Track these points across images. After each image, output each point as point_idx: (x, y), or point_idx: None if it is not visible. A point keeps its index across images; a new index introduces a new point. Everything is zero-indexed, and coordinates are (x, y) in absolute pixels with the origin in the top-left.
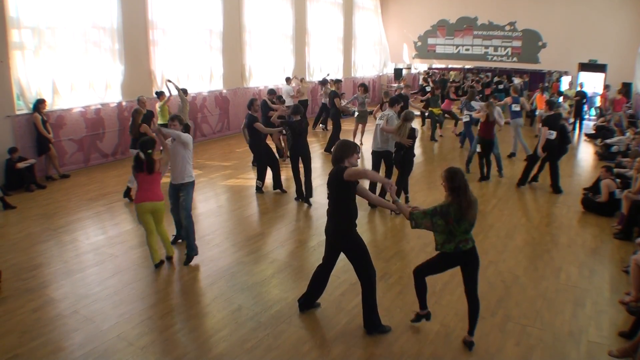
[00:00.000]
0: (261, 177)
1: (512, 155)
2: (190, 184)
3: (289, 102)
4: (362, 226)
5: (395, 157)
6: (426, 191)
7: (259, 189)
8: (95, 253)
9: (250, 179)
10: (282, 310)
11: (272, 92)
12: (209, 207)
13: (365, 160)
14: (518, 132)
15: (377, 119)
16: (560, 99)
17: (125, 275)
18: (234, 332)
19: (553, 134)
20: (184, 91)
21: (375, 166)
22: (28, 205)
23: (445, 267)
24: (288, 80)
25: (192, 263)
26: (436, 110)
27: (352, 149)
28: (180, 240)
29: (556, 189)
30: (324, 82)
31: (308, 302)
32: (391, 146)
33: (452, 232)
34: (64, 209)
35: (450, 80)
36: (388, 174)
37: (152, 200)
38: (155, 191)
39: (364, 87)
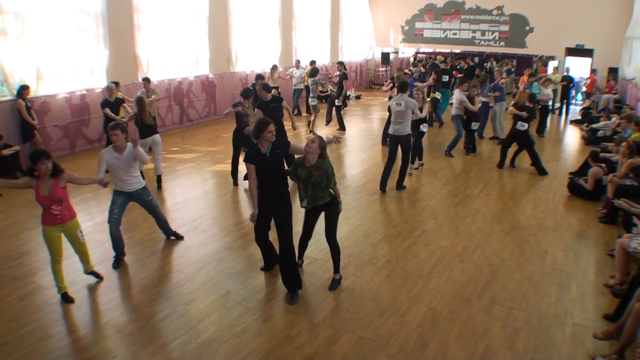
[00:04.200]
0: None
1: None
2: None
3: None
4: (349, 211)
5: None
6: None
7: None
8: None
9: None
10: (270, 295)
11: (259, 77)
12: (197, 193)
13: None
14: (495, 114)
15: (394, 104)
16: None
17: (113, 261)
18: (222, 317)
19: (525, 126)
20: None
21: (393, 151)
22: (13, 192)
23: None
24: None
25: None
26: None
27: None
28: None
29: (541, 170)
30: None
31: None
32: (407, 129)
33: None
34: None
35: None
36: (405, 159)
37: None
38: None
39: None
